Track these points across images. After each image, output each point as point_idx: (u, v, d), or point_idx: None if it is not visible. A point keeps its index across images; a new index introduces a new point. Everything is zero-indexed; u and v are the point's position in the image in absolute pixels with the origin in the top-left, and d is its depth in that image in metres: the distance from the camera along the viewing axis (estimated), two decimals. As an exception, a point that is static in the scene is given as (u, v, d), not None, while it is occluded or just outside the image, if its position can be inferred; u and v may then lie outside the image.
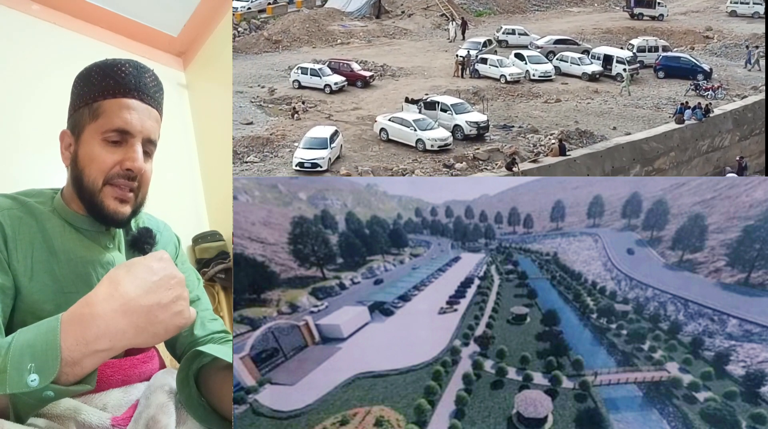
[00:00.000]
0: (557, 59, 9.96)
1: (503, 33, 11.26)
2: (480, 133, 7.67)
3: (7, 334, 1.52)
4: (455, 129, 7.67)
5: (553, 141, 7.48)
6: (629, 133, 7.88)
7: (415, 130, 7.40)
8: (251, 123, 8.13)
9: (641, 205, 11.46)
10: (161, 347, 2.28)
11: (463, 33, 11.75)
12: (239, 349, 4.79)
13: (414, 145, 7.41)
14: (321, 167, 6.88)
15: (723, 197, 9.86)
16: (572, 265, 10.44)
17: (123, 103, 1.97)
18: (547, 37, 10.79)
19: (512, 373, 4.79)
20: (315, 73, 9.26)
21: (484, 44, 10.35)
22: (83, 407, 1.71)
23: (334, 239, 10.71)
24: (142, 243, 2.04)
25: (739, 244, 7.11)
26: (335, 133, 7.26)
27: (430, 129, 7.46)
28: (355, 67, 9.75)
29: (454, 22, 12.02)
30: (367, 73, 9.70)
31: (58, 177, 2.23)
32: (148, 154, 2.06)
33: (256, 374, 4.78)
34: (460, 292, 8.26)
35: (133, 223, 2.18)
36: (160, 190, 2.19)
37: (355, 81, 9.49)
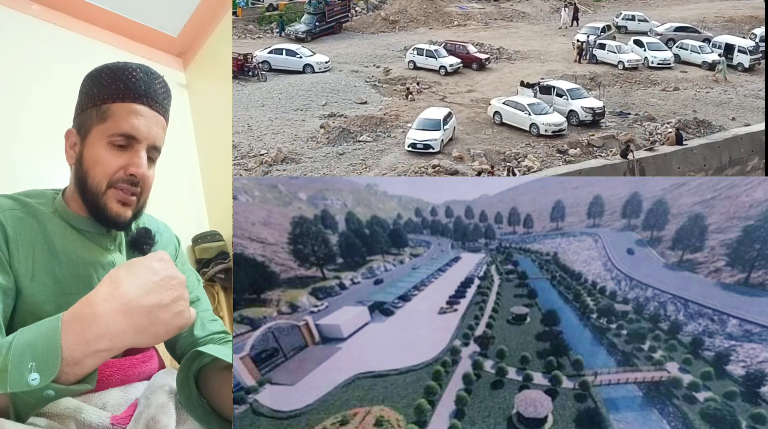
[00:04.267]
0: (677, 47, 9.79)
1: (623, 19, 11.12)
2: (595, 120, 7.56)
3: (7, 335, 1.52)
4: (570, 114, 7.57)
5: (669, 130, 7.34)
6: (748, 124, 7.62)
7: (530, 114, 7.30)
8: (365, 102, 8.16)
9: (641, 205, 11.47)
10: (161, 348, 2.29)
11: (575, 19, 11.64)
12: (239, 349, 4.79)
13: (528, 129, 7.31)
14: (433, 149, 6.81)
15: (723, 197, 9.87)
16: (572, 265, 10.44)
17: (131, 108, 1.97)
18: (667, 24, 10.64)
19: (512, 373, 4.78)
20: (431, 55, 9.22)
21: (603, 29, 10.24)
22: (83, 406, 1.72)
23: (334, 239, 10.71)
24: (141, 243, 2.05)
25: (739, 244, 7.11)
26: (449, 115, 7.21)
27: (545, 113, 7.36)
28: (471, 49, 9.67)
29: (566, 8, 11.91)
30: (483, 56, 9.62)
31: (58, 177, 2.24)
32: (151, 160, 2.08)
33: (256, 374, 4.78)
34: (460, 292, 8.25)
35: (132, 224, 2.19)
36: (160, 190, 2.20)
37: (470, 63, 9.42)
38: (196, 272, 2.66)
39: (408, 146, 6.89)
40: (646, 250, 9.80)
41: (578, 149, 7.05)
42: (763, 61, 9.37)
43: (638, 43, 9.72)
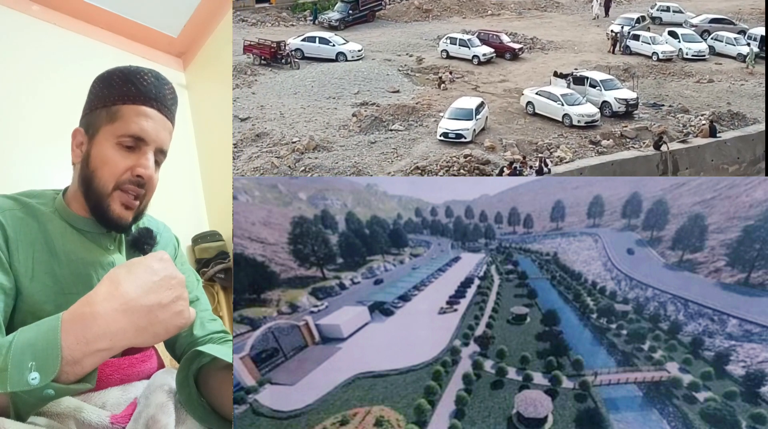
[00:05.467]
0: (712, 38, 9.65)
1: (657, 10, 10.96)
2: (629, 111, 7.49)
3: (7, 335, 1.52)
4: (603, 105, 7.52)
5: (703, 122, 7.29)
6: (784, 117, 7.48)
7: (563, 104, 7.26)
8: (398, 91, 8.12)
9: (641, 205, 11.48)
10: (161, 347, 2.29)
11: (607, 10, 11.55)
12: (239, 349, 4.80)
13: (560, 120, 7.28)
14: (465, 138, 6.77)
15: (723, 197, 9.87)
16: (572, 265, 10.44)
17: (141, 110, 2.00)
18: (703, 15, 10.51)
19: (512, 373, 4.79)
20: (464, 44, 9.15)
21: (637, 20, 10.14)
22: (83, 406, 1.72)
23: (334, 239, 10.72)
24: (142, 243, 2.05)
25: (739, 244, 7.11)
26: (481, 105, 7.17)
27: (578, 104, 7.32)
28: (505, 38, 9.59)
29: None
30: (517, 46, 9.54)
31: (59, 177, 2.24)
32: (157, 163, 2.10)
33: (256, 374, 4.79)
34: (460, 292, 8.26)
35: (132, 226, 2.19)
36: (160, 190, 2.20)
37: (503, 53, 9.36)
38: (196, 272, 2.66)
39: (440, 135, 6.85)
40: (646, 250, 9.80)
41: (611, 140, 7.00)
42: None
43: (673, 34, 9.60)
